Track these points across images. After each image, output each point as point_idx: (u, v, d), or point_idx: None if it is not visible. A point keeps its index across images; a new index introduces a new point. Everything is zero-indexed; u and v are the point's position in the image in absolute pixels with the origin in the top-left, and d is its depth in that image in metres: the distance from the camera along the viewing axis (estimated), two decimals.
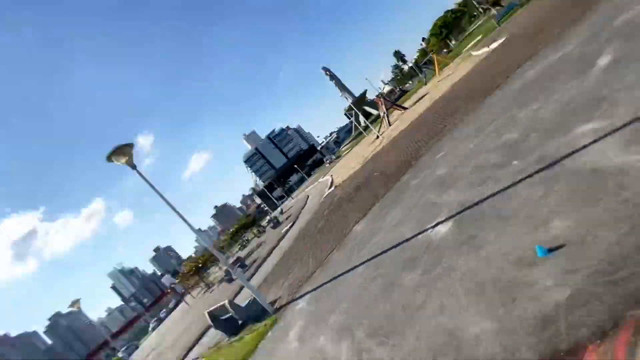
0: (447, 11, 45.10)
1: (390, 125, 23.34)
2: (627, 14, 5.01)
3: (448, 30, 41.56)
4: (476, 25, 41.77)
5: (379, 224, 5.75)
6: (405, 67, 58.52)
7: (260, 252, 19.90)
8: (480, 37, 25.27)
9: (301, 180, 68.38)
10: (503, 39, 14.52)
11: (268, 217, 38.83)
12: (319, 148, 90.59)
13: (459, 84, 14.03)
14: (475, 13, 45.10)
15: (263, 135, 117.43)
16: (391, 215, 5.59)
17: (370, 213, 6.92)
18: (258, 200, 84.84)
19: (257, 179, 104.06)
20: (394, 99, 34.15)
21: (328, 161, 46.58)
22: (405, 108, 23.63)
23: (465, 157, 5.14)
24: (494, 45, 15.47)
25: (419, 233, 4.08)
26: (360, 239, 5.90)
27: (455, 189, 4.41)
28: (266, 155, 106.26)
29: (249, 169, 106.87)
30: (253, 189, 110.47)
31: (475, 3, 40.87)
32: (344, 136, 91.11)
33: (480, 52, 17.88)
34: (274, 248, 16.03)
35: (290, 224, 20.05)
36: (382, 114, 25.53)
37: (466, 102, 8.92)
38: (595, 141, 2.84)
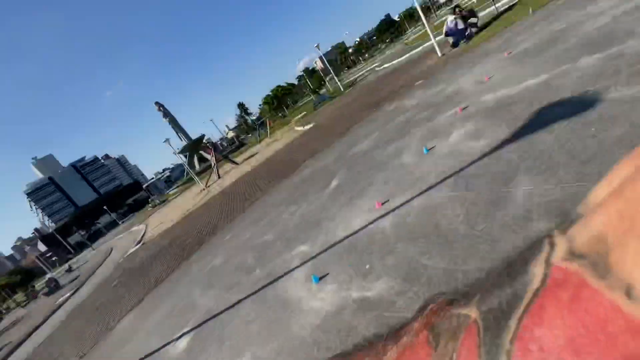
0: (278, 86, 53.71)
1: (219, 177, 23.24)
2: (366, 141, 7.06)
3: (278, 102, 48.91)
4: (304, 102, 50.74)
5: (145, 322, 5.17)
6: (249, 120, 62.32)
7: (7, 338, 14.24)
8: (304, 113, 30.26)
9: (113, 224, 56.48)
10: (312, 125, 17.75)
11: (46, 277, 29.14)
12: (145, 185, 78.87)
13: (277, 155, 15.78)
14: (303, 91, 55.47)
15: (66, 162, 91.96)
16: (154, 317, 5.16)
17: (146, 300, 6.22)
18: (42, 248, 63.29)
19: (46, 218, 78.47)
20: (228, 151, 34.66)
21: (151, 205, 40.86)
22: (236, 163, 24.30)
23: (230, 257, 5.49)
24: (307, 127, 18.68)
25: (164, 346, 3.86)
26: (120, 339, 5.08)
27: (208, 297, 4.54)
28: (65, 188, 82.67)
29: (32, 204, 79.39)
30: (37, 230, 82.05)
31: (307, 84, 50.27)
32: (178, 176, 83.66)
33: (299, 128, 21.11)
34: (30, 333, 11.78)
35: (71, 291, 15.62)
36: (212, 164, 25.23)
37: (270, 179, 9.99)
38: (296, 268, 3.56)
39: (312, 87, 39.03)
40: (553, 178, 2.38)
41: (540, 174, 2.51)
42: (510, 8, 11.91)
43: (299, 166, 9.02)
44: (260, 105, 55.21)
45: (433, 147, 4.34)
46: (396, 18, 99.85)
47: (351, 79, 38.64)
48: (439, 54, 11.26)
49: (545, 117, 3.27)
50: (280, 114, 46.93)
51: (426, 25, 11.20)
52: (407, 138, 5.40)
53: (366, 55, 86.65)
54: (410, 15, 73.65)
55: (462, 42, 10.94)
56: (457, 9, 11.01)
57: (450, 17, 10.71)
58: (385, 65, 22.72)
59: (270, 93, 49.70)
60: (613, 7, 5.05)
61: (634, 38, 3.68)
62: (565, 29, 5.54)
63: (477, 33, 11.04)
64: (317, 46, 27.53)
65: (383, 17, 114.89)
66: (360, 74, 36.81)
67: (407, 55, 19.79)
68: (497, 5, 13.04)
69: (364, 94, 15.84)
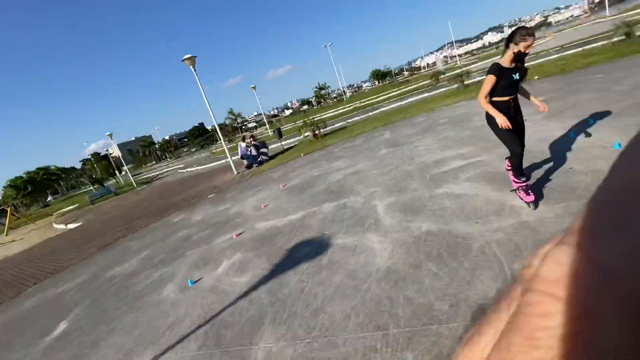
0: (39, 168, 41.89)
1: None
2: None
3: (35, 187, 37.44)
4: (82, 191, 41.18)
5: None
6: None
7: None
8: (76, 206, 23.89)
9: None
10: (79, 224, 13.89)
11: None
12: None
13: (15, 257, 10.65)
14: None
15: None
16: None
17: None
18: None
19: None
20: None
21: None
22: None
23: None
24: (71, 226, 14.41)
25: None
26: None
27: None
28: None
29: None
30: None
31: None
32: None
33: (60, 226, 15.97)
34: None
35: None
36: None
37: None
38: None
39: (96, 175, 32.53)
40: (290, 332, 2.40)
41: (281, 325, 2.50)
42: (292, 147, 15.08)
43: (19, 293, 6.17)
44: (3, 187, 39.17)
45: (200, 279, 3.91)
46: (209, 128, 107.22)
47: (151, 175, 35.47)
48: (235, 172, 12.17)
49: (295, 255, 3.64)
50: (40, 203, 34.95)
51: (223, 144, 12.19)
52: (179, 262, 4.78)
53: (173, 155, 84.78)
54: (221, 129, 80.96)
55: (255, 165, 12.43)
56: (250, 139, 12.79)
57: (242, 144, 12.26)
58: (189, 169, 22.44)
59: (24, 175, 36.79)
60: (344, 169, 7.11)
61: (353, 194, 5.08)
62: (320, 176, 7.22)
63: (267, 161, 13.00)
64: (110, 135, 24.32)
65: (197, 124, 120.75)
66: (162, 171, 34.54)
67: (211, 165, 20.57)
68: (282, 142, 16.19)
69: (156, 196, 14.38)
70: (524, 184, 3.04)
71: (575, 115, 5.23)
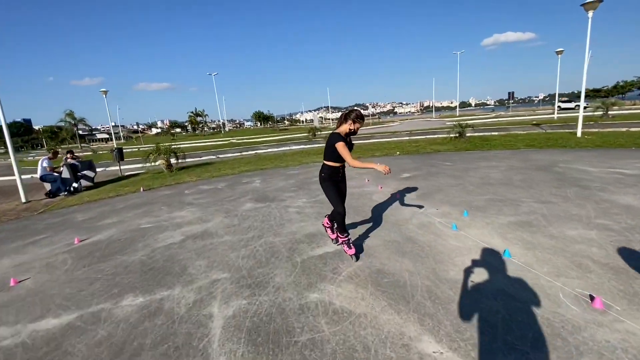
0: None
1: None
2: None
3: None
4: None
5: None
6: None
7: None
8: None
9: None
10: None
11: None
12: None
13: None
14: None
15: None
16: None
17: None
18: None
19: None
20: None
21: None
22: None
23: None
24: None
25: None
26: None
27: None
28: None
29: None
30: None
31: None
32: None
33: None
34: None
35: None
36: None
37: None
38: None
39: None
40: None
41: None
42: (134, 175, 11.62)
43: None
44: None
45: None
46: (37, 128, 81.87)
47: None
48: (22, 199, 7.99)
49: None
50: None
51: (11, 155, 7.97)
52: None
53: None
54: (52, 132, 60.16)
55: (63, 193, 8.57)
56: (69, 155, 8.99)
57: (44, 160, 8.39)
58: None
59: None
60: (187, 224, 5.07)
61: (182, 281, 3.14)
62: (147, 231, 4.91)
63: (86, 189, 9.28)
64: None
65: (21, 120, 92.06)
66: None
67: (2, 178, 14.04)
68: (121, 168, 12.52)
69: None
70: (347, 238, 3.31)
71: (445, 201, 5.09)
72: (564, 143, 10.50)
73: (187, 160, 16.48)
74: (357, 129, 3.11)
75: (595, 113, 18.43)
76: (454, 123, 13.77)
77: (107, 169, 14.96)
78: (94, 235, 4.91)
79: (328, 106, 78.01)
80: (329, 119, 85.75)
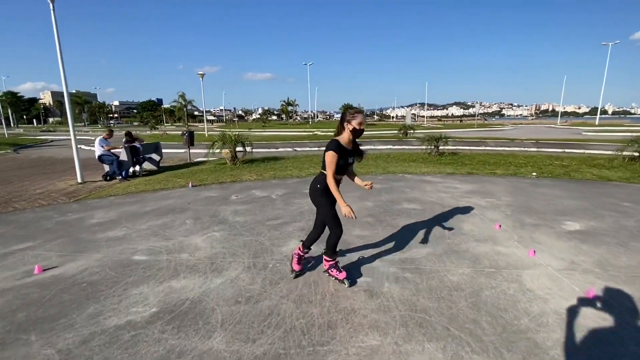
0: None
1: None
2: None
3: None
4: None
5: None
6: None
7: None
8: None
9: None
10: None
11: None
12: None
13: None
14: None
15: None
16: None
17: None
18: None
19: None
20: None
21: None
22: None
23: None
24: None
25: None
26: None
27: None
28: None
29: None
30: None
31: None
32: None
33: None
34: None
35: None
36: None
37: None
38: None
39: None
40: None
41: None
42: (200, 164, 10.72)
43: None
44: None
45: None
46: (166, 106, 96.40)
47: (48, 138, 27.88)
48: (79, 179, 7.48)
49: None
50: None
51: (71, 131, 7.49)
52: None
53: (104, 121, 73.46)
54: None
55: (119, 177, 7.87)
56: (127, 137, 8.28)
57: (98, 139, 7.72)
58: (81, 147, 16.60)
59: None
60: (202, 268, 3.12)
61: None
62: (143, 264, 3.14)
63: (150, 173, 8.52)
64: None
65: (155, 99, 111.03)
66: (61, 138, 27.24)
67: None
68: (191, 153, 11.80)
69: None
70: (335, 261, 2.90)
71: None
72: None
73: (262, 150, 15.49)
74: (359, 125, 2.59)
75: None
76: (632, 136, 9.02)
77: (178, 151, 14.81)
78: (67, 262, 3.36)
79: (425, 102, 71.16)
80: (423, 116, 78.56)
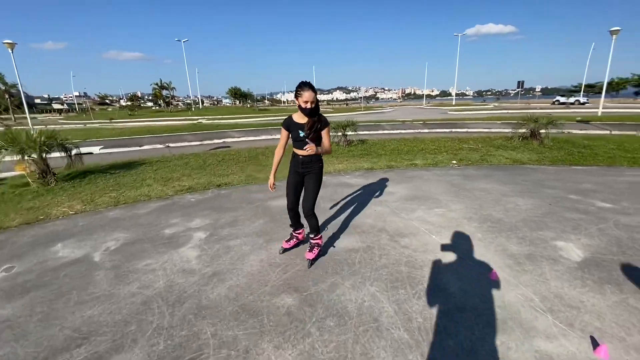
0: None
1: None
2: None
3: None
4: None
5: None
6: None
7: None
8: None
9: None
10: None
11: None
12: None
13: None
14: None
15: None
16: None
17: None
18: None
19: None
20: None
21: None
22: None
23: None
24: None
25: None
26: None
27: None
28: None
29: None
30: None
31: None
32: None
33: None
34: None
35: None
36: None
37: None
38: None
39: None
40: None
41: None
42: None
43: None
44: None
45: None
46: None
47: None
48: None
49: None
50: None
51: None
52: None
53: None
54: None
55: None
56: None
57: None
58: None
59: None
60: None
61: None
62: None
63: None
64: None
65: None
66: None
67: None
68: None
69: None
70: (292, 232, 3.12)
71: None
72: None
73: (115, 151, 11.24)
74: (305, 103, 2.48)
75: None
76: (529, 114, 9.26)
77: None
78: None
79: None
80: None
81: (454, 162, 7.04)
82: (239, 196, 5.03)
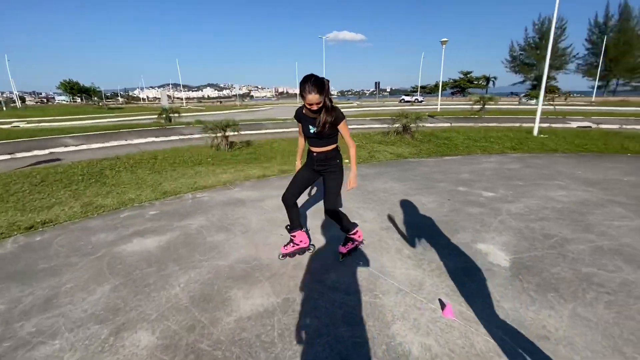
0: None
1: None
2: None
3: None
4: None
5: None
6: None
7: None
8: None
9: None
10: None
11: None
12: None
13: None
14: None
15: None
16: None
17: None
18: None
19: None
20: None
21: None
22: None
23: None
24: None
25: None
26: None
27: None
28: None
29: None
30: None
31: None
32: None
33: None
34: None
35: None
36: None
37: None
38: None
39: None
40: None
41: None
42: None
43: None
44: None
45: None
46: None
47: None
48: None
49: None
50: None
51: None
52: None
53: None
54: None
55: None
56: None
57: None
58: None
59: None
60: None
61: None
62: None
63: None
64: None
65: None
66: None
67: None
68: None
69: None
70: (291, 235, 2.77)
71: None
72: (554, 146, 8.11)
73: None
74: (313, 106, 2.21)
75: (475, 107, 19.09)
76: (400, 111, 9.95)
77: None
78: None
79: (179, 83, 63.66)
80: (180, 98, 70.98)
81: (347, 161, 6.78)
82: (68, 243, 3.22)
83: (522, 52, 55.24)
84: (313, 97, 2.15)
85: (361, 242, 2.89)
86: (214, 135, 7.84)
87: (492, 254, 2.85)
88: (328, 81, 2.21)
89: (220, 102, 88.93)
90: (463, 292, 2.30)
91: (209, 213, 3.94)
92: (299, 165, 2.74)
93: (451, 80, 66.41)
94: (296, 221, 2.71)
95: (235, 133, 8.12)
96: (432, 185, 4.96)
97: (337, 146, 2.52)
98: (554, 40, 9.98)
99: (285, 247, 2.77)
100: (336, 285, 2.43)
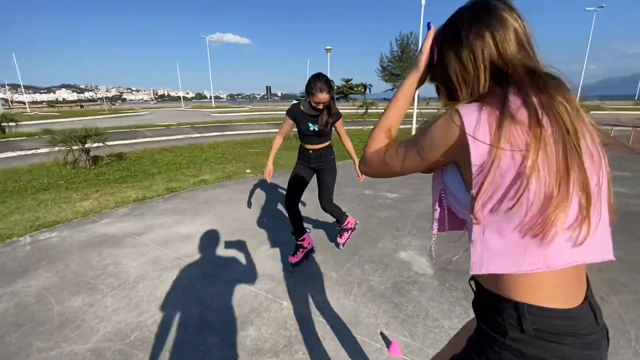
0: None
1: None
2: None
3: None
4: None
5: None
6: None
7: None
8: None
9: None
10: None
11: None
12: None
13: None
14: None
15: None
16: None
17: None
18: None
19: None
20: None
21: None
22: None
23: None
24: None
25: None
26: None
27: None
28: None
29: None
30: None
31: None
32: None
33: None
34: None
35: None
36: None
37: None
38: None
39: None
40: None
41: None
42: None
43: None
44: None
45: None
46: None
47: None
48: None
49: None
50: None
51: None
52: None
53: None
54: None
55: None
56: None
57: None
58: None
59: None
60: None
61: None
62: None
63: None
64: None
65: None
66: None
67: None
68: None
69: None
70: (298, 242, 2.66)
71: None
72: None
73: None
74: (317, 104, 2.30)
75: (359, 111, 20.85)
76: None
77: None
78: None
79: (19, 84, 48.46)
80: (22, 102, 54.83)
81: (248, 170, 6.15)
82: None
83: (389, 64, 64.17)
84: (324, 96, 2.26)
85: (354, 229, 3.01)
86: (67, 149, 5.99)
87: (415, 262, 2.77)
88: (332, 82, 2.32)
89: (82, 106, 73.17)
90: (401, 317, 2.08)
91: (60, 263, 2.77)
92: (270, 166, 2.59)
93: (336, 87, 71.80)
94: (301, 225, 2.65)
95: (101, 144, 6.41)
96: (341, 192, 4.84)
97: (331, 142, 2.62)
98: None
99: (295, 256, 2.62)
100: (258, 344, 1.87)
